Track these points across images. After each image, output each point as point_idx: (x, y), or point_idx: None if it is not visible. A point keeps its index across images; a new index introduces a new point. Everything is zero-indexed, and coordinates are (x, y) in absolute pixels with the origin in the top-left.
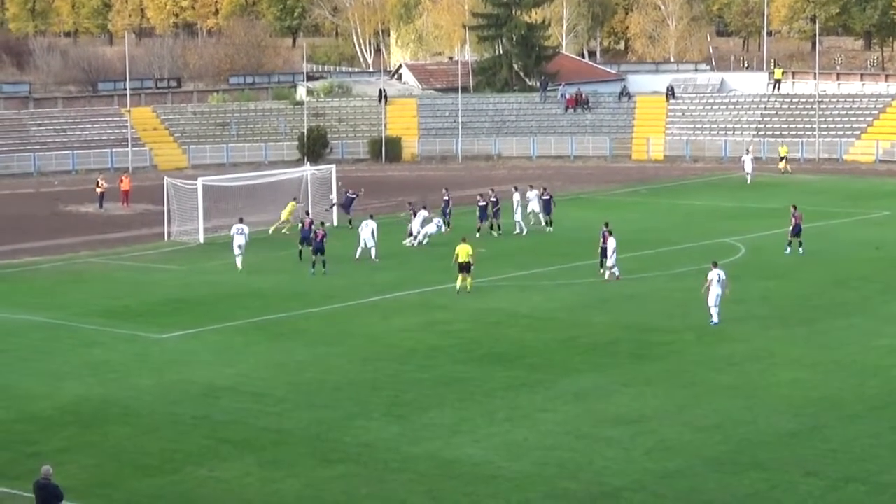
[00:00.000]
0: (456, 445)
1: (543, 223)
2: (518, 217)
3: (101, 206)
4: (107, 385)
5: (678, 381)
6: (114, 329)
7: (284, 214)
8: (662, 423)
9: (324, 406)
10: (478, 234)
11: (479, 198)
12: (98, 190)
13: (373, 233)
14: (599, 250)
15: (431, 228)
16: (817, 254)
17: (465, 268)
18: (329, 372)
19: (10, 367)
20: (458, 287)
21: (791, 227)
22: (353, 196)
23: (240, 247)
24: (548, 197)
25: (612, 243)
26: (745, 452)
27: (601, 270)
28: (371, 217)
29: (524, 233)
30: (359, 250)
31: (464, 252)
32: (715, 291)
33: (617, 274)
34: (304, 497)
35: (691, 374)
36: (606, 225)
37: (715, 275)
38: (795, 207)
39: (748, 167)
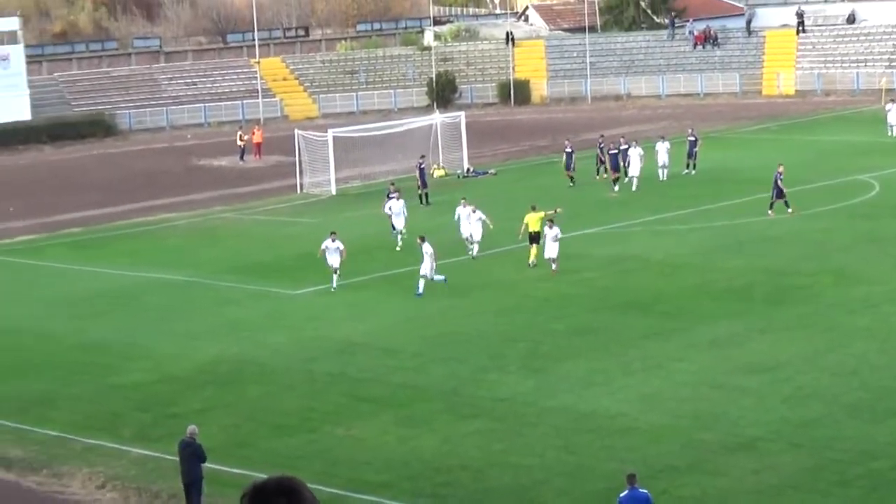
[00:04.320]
0: (591, 398)
1: (686, 166)
2: (634, 172)
3: (241, 158)
4: (242, 343)
5: (815, 325)
6: (247, 286)
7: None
8: (799, 370)
9: (458, 360)
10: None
11: (611, 145)
12: (239, 143)
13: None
14: (773, 190)
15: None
16: None
17: (535, 238)
18: (462, 324)
19: (147, 327)
20: (530, 261)
21: None
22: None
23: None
24: (693, 138)
25: (553, 233)
26: (884, 399)
27: (769, 212)
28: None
29: (639, 189)
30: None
31: (534, 221)
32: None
33: (554, 268)
34: (441, 453)
35: (828, 318)
36: (780, 167)
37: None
38: None
39: (893, 118)
